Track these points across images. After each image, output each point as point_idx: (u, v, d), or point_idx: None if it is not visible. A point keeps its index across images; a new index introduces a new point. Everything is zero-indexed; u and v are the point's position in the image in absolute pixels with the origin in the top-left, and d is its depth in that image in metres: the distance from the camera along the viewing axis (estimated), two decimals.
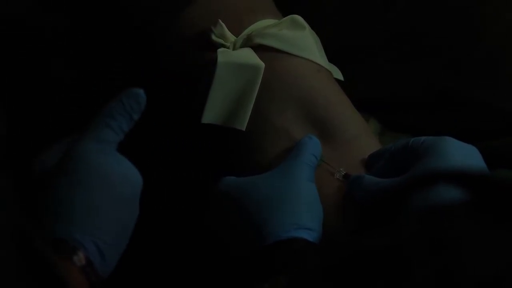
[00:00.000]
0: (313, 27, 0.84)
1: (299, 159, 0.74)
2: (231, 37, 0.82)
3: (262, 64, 0.80)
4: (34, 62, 0.92)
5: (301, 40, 0.82)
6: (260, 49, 0.81)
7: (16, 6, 0.94)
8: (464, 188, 0.47)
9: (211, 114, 0.80)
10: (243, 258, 0.67)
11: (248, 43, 0.82)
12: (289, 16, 0.83)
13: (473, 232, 0.42)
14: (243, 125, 0.80)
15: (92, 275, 0.61)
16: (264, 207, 0.68)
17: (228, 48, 0.82)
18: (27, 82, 0.91)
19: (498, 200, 0.44)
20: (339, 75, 0.87)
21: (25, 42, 0.93)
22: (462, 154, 0.70)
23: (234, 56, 0.80)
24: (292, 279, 0.50)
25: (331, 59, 0.85)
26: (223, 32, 0.81)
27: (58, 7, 0.94)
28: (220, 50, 0.81)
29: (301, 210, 0.69)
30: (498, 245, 0.41)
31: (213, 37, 0.82)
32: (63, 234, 0.60)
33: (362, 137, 0.80)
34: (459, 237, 0.42)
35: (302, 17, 0.83)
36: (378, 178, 0.72)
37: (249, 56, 0.81)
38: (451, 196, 0.48)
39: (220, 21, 0.81)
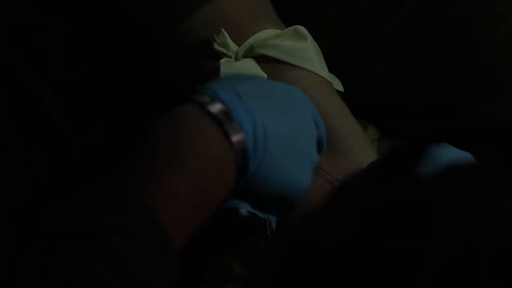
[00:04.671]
0: (313, 34, 0.85)
1: None
2: (233, 46, 0.82)
3: (264, 76, 0.80)
4: (36, 65, 0.91)
5: (303, 51, 0.82)
6: (262, 60, 0.82)
7: (17, 10, 0.93)
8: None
9: None
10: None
11: (250, 53, 0.82)
12: (292, 27, 0.83)
13: (496, 196, 0.41)
14: None
15: (228, 125, 0.55)
16: None
17: (230, 57, 0.82)
18: (28, 85, 0.90)
19: None
20: (339, 86, 0.87)
21: (26, 46, 0.92)
22: (454, 158, 0.70)
23: (236, 67, 0.80)
24: (302, 230, 0.49)
25: (331, 66, 0.86)
26: (226, 41, 0.81)
27: (60, 11, 0.94)
28: (222, 61, 0.81)
29: None
30: None
31: (215, 46, 0.82)
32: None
33: (360, 148, 0.81)
34: (482, 200, 0.41)
35: (303, 24, 0.84)
36: None
37: (251, 67, 0.81)
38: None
39: (223, 30, 0.81)
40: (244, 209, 0.72)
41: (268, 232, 0.72)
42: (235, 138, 0.56)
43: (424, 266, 0.39)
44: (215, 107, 0.56)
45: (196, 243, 0.72)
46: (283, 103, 0.61)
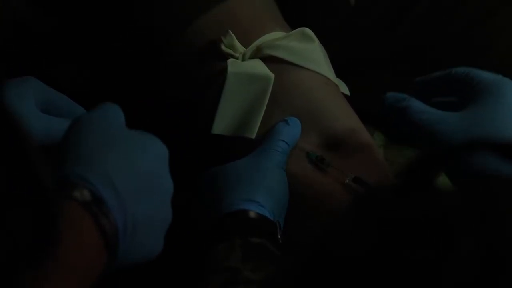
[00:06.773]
0: (320, 39, 0.84)
1: (267, 146, 0.77)
2: (240, 47, 0.82)
3: (272, 75, 0.80)
4: (37, 67, 0.90)
5: (310, 52, 0.82)
6: (269, 61, 0.82)
7: (18, 11, 0.92)
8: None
9: (222, 124, 0.80)
10: (205, 228, 0.74)
11: (257, 54, 0.82)
12: (299, 29, 0.83)
13: None
14: (253, 134, 0.80)
15: (101, 217, 0.53)
16: (226, 186, 0.74)
17: (237, 58, 0.82)
18: None
19: None
20: (345, 90, 0.87)
21: (28, 47, 0.91)
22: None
23: (244, 66, 0.80)
24: (321, 238, 0.48)
25: (337, 72, 0.86)
26: (233, 42, 0.81)
27: (62, 12, 0.93)
28: (230, 60, 0.80)
29: (256, 189, 0.73)
30: None
31: (223, 47, 0.81)
32: (67, 171, 0.54)
33: (367, 150, 0.80)
34: (507, 212, 0.40)
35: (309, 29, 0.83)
36: (426, 106, 0.76)
37: (259, 66, 0.80)
38: (497, 168, 0.48)
39: (230, 31, 0.80)
40: (253, 211, 0.71)
41: (279, 236, 0.70)
42: (110, 232, 0.54)
43: (444, 278, 0.38)
44: (96, 208, 0.54)
45: (202, 242, 0.71)
46: (147, 178, 0.57)
